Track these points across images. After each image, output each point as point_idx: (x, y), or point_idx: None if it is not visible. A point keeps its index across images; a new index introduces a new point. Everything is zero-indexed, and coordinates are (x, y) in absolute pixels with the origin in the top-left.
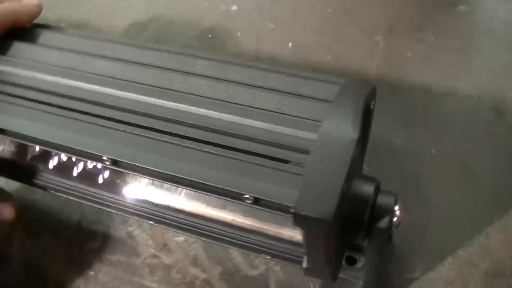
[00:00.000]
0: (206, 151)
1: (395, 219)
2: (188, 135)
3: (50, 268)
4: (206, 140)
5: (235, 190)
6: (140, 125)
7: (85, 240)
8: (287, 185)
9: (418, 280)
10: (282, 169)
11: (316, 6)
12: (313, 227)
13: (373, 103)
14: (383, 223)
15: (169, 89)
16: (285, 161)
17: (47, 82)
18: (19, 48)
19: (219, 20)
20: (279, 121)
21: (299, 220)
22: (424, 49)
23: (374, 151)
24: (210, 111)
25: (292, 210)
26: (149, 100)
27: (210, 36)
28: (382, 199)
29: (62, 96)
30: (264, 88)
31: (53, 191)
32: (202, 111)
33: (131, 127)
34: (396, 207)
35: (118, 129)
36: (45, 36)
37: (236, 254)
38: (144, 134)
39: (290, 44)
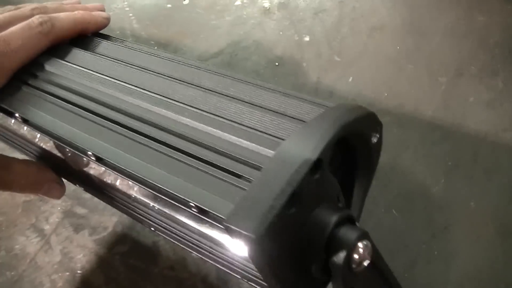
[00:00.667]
0: (170, 156)
1: (356, 256)
2: (160, 139)
3: (81, 263)
4: (173, 145)
5: (181, 196)
6: (127, 127)
7: (116, 242)
8: (230, 198)
9: None
10: (231, 182)
11: (386, 43)
12: (248, 245)
13: (374, 133)
14: (338, 258)
15: (166, 97)
16: (238, 175)
17: (80, 84)
18: (75, 54)
19: (290, 50)
20: (244, 135)
21: (232, 234)
22: (489, 95)
23: (407, 196)
24: (186, 119)
25: (224, 223)
26: (143, 105)
27: (276, 64)
28: (344, 233)
29: (82, 96)
30: (249, 103)
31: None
32: (181, 118)
33: (121, 128)
34: (360, 244)
35: (111, 129)
36: (101, 45)
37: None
38: (126, 135)
39: (350, 78)
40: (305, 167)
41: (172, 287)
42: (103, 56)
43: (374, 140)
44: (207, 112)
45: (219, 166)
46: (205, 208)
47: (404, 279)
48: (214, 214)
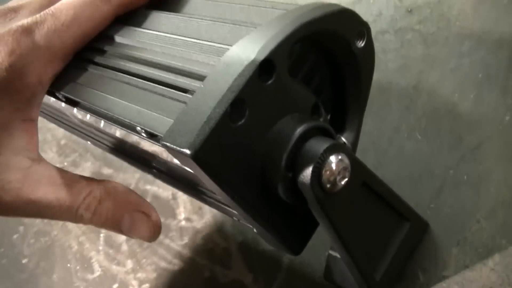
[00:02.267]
0: (118, 80)
1: (328, 173)
2: (114, 66)
3: None
4: (123, 69)
5: (122, 118)
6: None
7: None
8: (171, 115)
9: (449, 279)
10: (175, 98)
11: None
12: (188, 164)
13: (356, 35)
14: (304, 175)
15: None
16: (183, 89)
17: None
18: (155, 17)
19: None
20: (193, 46)
21: (171, 153)
22: None
23: (432, 117)
24: (144, 41)
25: (161, 141)
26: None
27: None
28: (311, 145)
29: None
30: (210, 17)
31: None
32: (139, 42)
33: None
34: (333, 158)
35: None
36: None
37: None
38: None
39: None
40: (249, 70)
41: (188, 239)
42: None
43: (359, 44)
44: (165, 33)
45: (163, 82)
46: (146, 129)
47: (429, 210)
48: (154, 133)
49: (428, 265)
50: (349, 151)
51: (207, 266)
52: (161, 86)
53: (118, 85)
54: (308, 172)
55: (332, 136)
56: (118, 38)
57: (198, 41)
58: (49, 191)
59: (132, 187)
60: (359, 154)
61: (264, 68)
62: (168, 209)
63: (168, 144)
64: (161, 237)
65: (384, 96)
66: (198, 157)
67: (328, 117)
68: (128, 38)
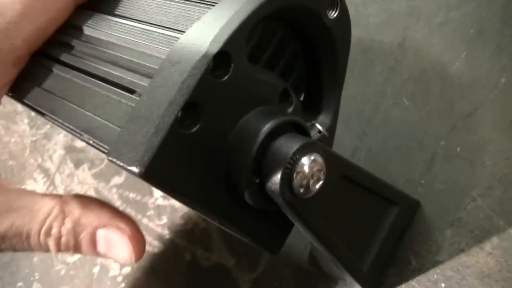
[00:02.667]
0: (79, 81)
1: (300, 177)
2: (74, 64)
3: None
4: (84, 69)
5: (73, 128)
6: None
7: (113, 174)
8: (119, 122)
9: (442, 264)
10: (121, 100)
11: None
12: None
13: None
14: (272, 181)
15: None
16: (130, 90)
17: None
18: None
19: None
20: (143, 35)
21: (119, 167)
22: None
23: (420, 79)
24: (104, 32)
25: (107, 156)
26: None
27: None
28: (280, 146)
29: None
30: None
31: None
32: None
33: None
34: (305, 160)
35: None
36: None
37: None
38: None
39: None
40: (201, 67)
41: (166, 219)
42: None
43: (331, 15)
44: (124, 18)
45: (111, 81)
46: (94, 140)
47: (420, 186)
48: (101, 145)
49: (420, 249)
50: (323, 148)
51: (187, 248)
52: (109, 86)
53: (72, 86)
54: (276, 178)
55: (304, 130)
56: (78, 30)
57: (148, 27)
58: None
59: (106, 162)
60: (341, 122)
61: (219, 62)
62: (144, 186)
63: (114, 160)
64: (139, 216)
65: (366, 56)
66: (148, 175)
67: (302, 97)
68: (89, 28)
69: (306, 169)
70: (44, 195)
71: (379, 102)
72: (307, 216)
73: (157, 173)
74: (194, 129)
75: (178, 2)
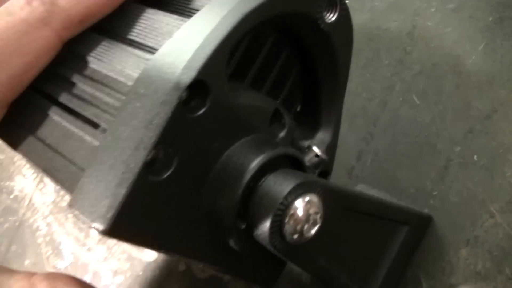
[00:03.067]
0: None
1: (292, 223)
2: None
3: None
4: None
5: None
6: None
7: None
8: (83, 163)
9: (456, 287)
10: (87, 140)
11: None
12: None
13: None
14: (261, 229)
15: None
16: (94, 124)
17: None
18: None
19: None
20: (115, 55)
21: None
22: None
23: (432, 74)
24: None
25: (68, 207)
26: None
27: None
28: (269, 186)
29: None
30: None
31: None
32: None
33: None
34: (299, 203)
35: None
36: None
37: None
38: None
39: None
40: (171, 102)
41: None
42: None
43: (329, 18)
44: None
45: (72, 109)
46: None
47: (431, 198)
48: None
49: (432, 270)
50: (321, 186)
51: (182, 258)
52: (72, 117)
53: (33, 113)
54: (265, 225)
55: (299, 163)
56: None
57: (119, 42)
58: None
59: None
60: (345, 121)
61: (194, 94)
62: None
63: (76, 214)
64: None
65: (372, 46)
66: (113, 232)
67: (298, 108)
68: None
69: (300, 213)
70: (14, 273)
71: (386, 100)
72: (302, 259)
73: (124, 229)
74: (167, 173)
75: (151, 10)
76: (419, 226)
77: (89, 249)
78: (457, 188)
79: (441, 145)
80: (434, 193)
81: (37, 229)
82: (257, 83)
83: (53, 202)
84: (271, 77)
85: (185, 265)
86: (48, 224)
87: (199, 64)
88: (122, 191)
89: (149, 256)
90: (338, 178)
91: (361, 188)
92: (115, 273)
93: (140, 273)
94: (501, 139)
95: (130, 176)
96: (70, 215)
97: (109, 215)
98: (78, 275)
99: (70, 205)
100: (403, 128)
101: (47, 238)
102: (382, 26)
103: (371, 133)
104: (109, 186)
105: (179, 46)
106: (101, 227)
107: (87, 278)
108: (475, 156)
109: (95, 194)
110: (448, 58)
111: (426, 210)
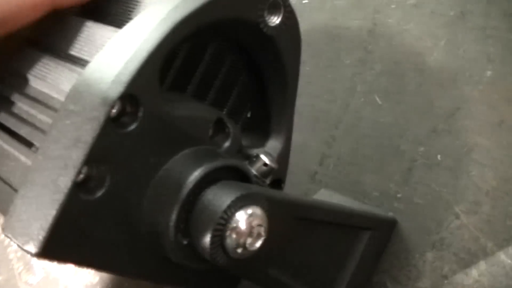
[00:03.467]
0: None
1: (235, 237)
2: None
3: None
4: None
5: None
6: None
7: None
8: (16, 184)
9: None
10: (21, 160)
11: None
12: None
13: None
14: (202, 244)
15: None
16: (29, 143)
17: None
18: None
19: None
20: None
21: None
22: None
23: (394, 73)
24: None
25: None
26: None
27: None
28: (210, 199)
29: None
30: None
31: None
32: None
33: None
34: (241, 215)
35: None
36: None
37: None
38: None
39: None
40: (99, 118)
41: None
42: None
43: (272, 21)
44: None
45: (7, 127)
46: None
47: (396, 201)
48: None
49: (398, 275)
50: (264, 197)
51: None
52: (7, 136)
53: None
54: (206, 241)
55: (244, 175)
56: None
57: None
58: None
59: None
60: (307, 125)
61: (124, 109)
62: None
63: (9, 236)
64: None
65: (333, 46)
66: (46, 254)
67: (249, 114)
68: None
69: (242, 226)
70: None
71: (348, 101)
72: (252, 273)
73: (58, 250)
74: (100, 193)
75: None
76: (383, 230)
77: (59, 264)
78: (422, 190)
79: (404, 146)
80: (399, 195)
81: (9, 244)
82: (200, 92)
83: None
84: (215, 86)
85: None
86: None
87: (127, 78)
88: (53, 212)
89: None
90: (300, 183)
91: (324, 193)
92: (86, 286)
93: (110, 285)
94: (464, 138)
95: (60, 197)
96: None
97: (40, 237)
98: None
99: (3, 228)
100: (366, 130)
101: (19, 254)
102: (342, 25)
103: (333, 137)
104: (40, 208)
105: (108, 60)
106: (33, 249)
107: None
108: (439, 156)
109: (26, 216)
110: (410, 55)
111: (390, 214)
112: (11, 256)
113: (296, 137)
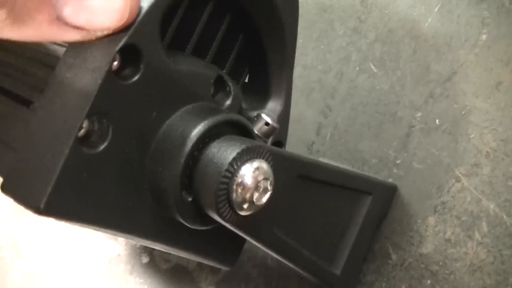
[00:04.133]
0: None
1: (241, 191)
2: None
3: None
4: None
5: None
6: None
7: None
8: (15, 144)
9: (426, 257)
10: (21, 116)
11: None
12: None
13: None
14: (207, 201)
15: None
16: (26, 101)
17: None
18: None
19: None
20: None
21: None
22: None
23: (389, 41)
24: None
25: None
26: None
27: None
28: (214, 154)
29: None
30: None
31: None
32: None
33: None
34: (247, 169)
35: None
36: None
37: None
38: None
39: None
40: (101, 68)
41: None
42: None
43: None
44: None
45: (4, 88)
46: None
47: (395, 167)
48: None
49: (400, 240)
50: (269, 151)
51: (145, 250)
52: (8, 99)
53: None
54: (211, 196)
55: (245, 129)
56: None
57: None
58: None
59: None
60: (302, 96)
61: (126, 60)
62: None
63: (9, 195)
64: None
65: (325, 17)
66: (49, 211)
67: (247, 75)
68: None
69: (248, 180)
70: None
71: (343, 70)
72: (258, 231)
73: (61, 206)
74: (102, 146)
75: None
76: (384, 196)
77: (51, 248)
78: (421, 154)
79: (401, 112)
80: (398, 161)
81: None
82: (199, 51)
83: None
84: (214, 46)
85: (148, 257)
86: (9, 227)
87: (129, 29)
88: (55, 166)
89: (112, 251)
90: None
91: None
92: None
93: (104, 267)
94: (462, 101)
95: (63, 150)
96: (30, 216)
97: (43, 193)
98: (42, 275)
99: (2, 187)
100: (362, 98)
101: (9, 242)
102: None
103: (329, 106)
104: (42, 164)
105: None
106: (35, 206)
107: (51, 278)
108: (437, 121)
109: (27, 172)
110: (404, 22)
111: (390, 180)
112: (1, 244)
113: (292, 109)
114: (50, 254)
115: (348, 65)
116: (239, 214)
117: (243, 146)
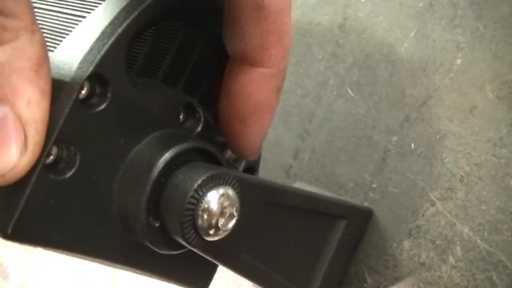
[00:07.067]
0: None
1: (206, 217)
2: None
3: None
4: None
5: None
6: None
7: None
8: None
9: (402, 281)
10: None
11: None
12: None
13: None
14: (172, 228)
15: None
16: None
17: None
18: None
19: None
20: None
21: None
22: None
23: (365, 66)
24: None
25: None
26: None
27: None
28: (179, 181)
29: None
30: None
31: None
32: None
33: None
34: (212, 196)
35: None
36: None
37: None
38: None
39: None
40: (67, 99)
41: None
42: None
43: None
44: None
45: None
46: None
47: (371, 191)
48: None
49: (376, 264)
50: (235, 177)
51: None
52: None
53: None
54: (176, 221)
55: (215, 158)
56: None
57: None
58: None
59: None
60: (280, 120)
61: (93, 89)
62: None
63: None
64: None
65: (304, 41)
66: (16, 235)
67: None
68: None
69: (214, 206)
70: None
71: (321, 95)
72: (226, 256)
73: (28, 232)
74: (70, 173)
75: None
76: (359, 220)
77: (36, 270)
78: (396, 178)
79: (378, 136)
80: (374, 185)
81: None
82: (170, 78)
83: None
84: (185, 73)
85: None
86: None
87: (95, 58)
88: (23, 193)
89: (97, 273)
90: (275, 178)
91: (299, 186)
92: None
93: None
94: (437, 126)
95: (30, 177)
96: None
97: (10, 218)
98: None
99: None
100: (339, 122)
101: None
102: (313, 21)
103: (307, 130)
104: (9, 189)
105: (78, 41)
106: (3, 231)
107: None
108: (412, 145)
109: None
110: (381, 47)
111: (366, 204)
112: None
113: (270, 133)
114: (35, 275)
115: (326, 89)
116: (205, 240)
117: (208, 173)
